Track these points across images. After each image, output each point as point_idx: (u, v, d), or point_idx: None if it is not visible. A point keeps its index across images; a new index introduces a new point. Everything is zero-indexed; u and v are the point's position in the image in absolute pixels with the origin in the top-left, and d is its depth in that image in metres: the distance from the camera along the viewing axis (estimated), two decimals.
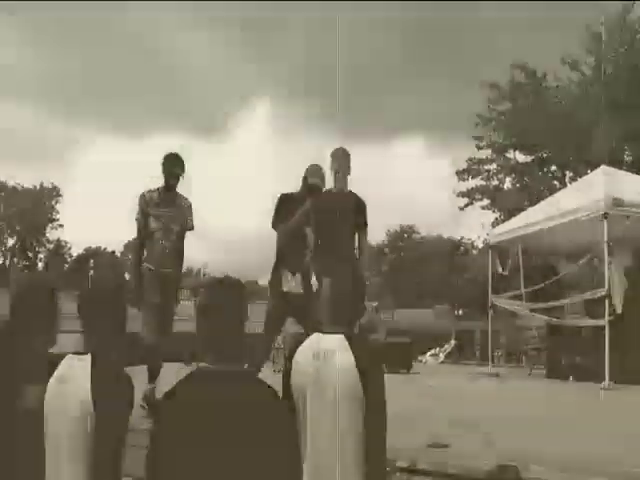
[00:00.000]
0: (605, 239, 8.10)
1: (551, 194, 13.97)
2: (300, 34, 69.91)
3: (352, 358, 2.24)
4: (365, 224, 4.97)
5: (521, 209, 15.51)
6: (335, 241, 4.78)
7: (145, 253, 5.28)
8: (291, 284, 4.96)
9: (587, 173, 13.24)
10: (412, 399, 5.39)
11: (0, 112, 64.72)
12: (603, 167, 10.52)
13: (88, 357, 2.33)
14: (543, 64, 22.58)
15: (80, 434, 2.23)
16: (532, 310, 10.23)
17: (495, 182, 24.02)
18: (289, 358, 2.38)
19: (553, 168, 23.64)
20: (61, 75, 71.92)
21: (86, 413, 2.22)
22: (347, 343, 2.28)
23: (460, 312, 29.86)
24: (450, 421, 4.73)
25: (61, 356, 2.42)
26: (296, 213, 4.93)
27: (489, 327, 11.18)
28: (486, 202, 23.90)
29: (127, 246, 41.68)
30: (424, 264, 43.67)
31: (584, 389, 7.94)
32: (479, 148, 23.31)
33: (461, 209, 24.04)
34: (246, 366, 3.52)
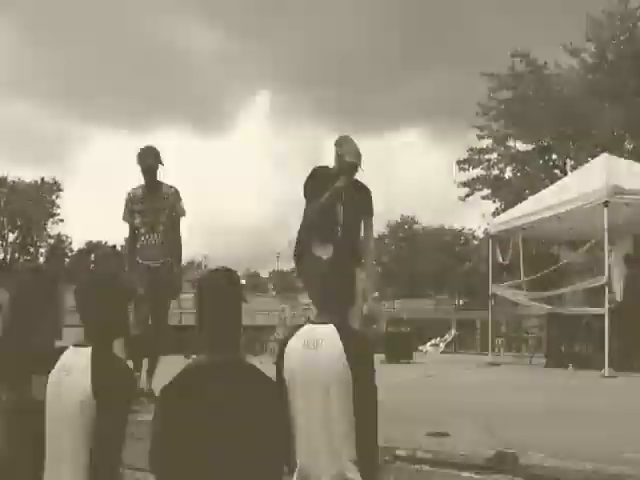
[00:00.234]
0: (605, 227, 8.10)
1: (552, 183, 13.96)
2: (300, 26, 69.71)
3: (341, 346, 2.29)
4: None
5: (522, 198, 15.51)
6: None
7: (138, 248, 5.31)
8: (322, 252, 4.70)
9: (588, 161, 13.19)
10: (412, 388, 5.41)
11: (0, 108, 64.70)
12: (604, 155, 10.50)
13: (89, 350, 2.34)
14: (544, 52, 22.55)
15: (81, 426, 2.25)
16: (532, 299, 10.24)
17: (496, 171, 23.99)
18: (282, 346, 2.42)
19: (554, 157, 23.59)
20: (61, 71, 71.83)
21: (87, 405, 2.24)
22: (337, 332, 2.33)
23: (460, 302, 29.89)
24: (450, 410, 4.75)
25: (62, 349, 2.44)
26: (329, 189, 4.57)
27: (489, 316, 11.20)
28: (487, 192, 23.87)
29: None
30: (425, 254, 43.67)
31: (584, 377, 7.96)
32: (480, 137, 23.27)
33: (462, 199, 24.01)
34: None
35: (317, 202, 4.60)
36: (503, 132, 23.10)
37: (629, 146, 20.92)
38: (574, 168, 20.92)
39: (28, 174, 49.88)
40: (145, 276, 5.18)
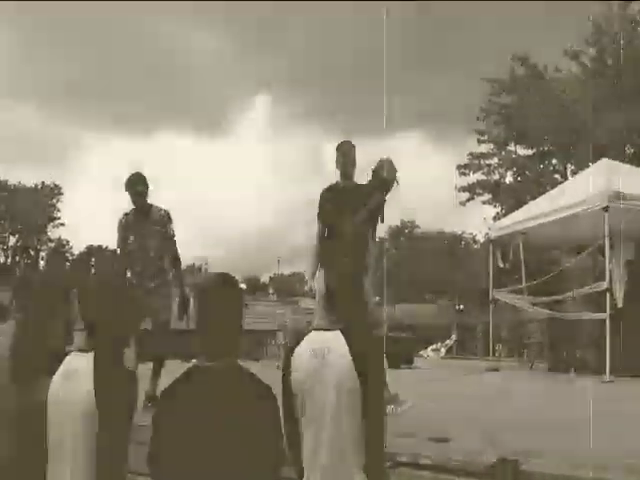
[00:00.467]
0: (606, 232, 8.11)
1: (552, 187, 13.98)
2: (300, 32, 69.78)
3: (348, 354, 2.28)
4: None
5: (522, 203, 15.52)
6: (343, 237, 4.78)
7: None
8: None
9: (588, 166, 13.22)
10: (413, 394, 5.40)
11: (0, 111, 64.78)
12: (604, 160, 10.52)
13: (91, 355, 2.35)
14: (544, 56, 22.58)
15: (83, 431, 2.25)
16: (533, 304, 10.24)
17: (496, 176, 24.04)
18: (288, 356, 2.42)
19: (554, 161, 23.63)
20: (62, 74, 71.86)
21: (89, 410, 2.24)
22: (343, 339, 2.32)
23: (461, 307, 29.89)
24: (451, 415, 4.75)
25: (65, 354, 2.45)
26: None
27: (490, 321, 11.20)
28: (487, 197, 23.91)
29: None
30: (425, 259, 43.66)
31: (585, 383, 7.95)
32: (480, 142, 23.32)
33: (462, 204, 24.05)
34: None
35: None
36: (503, 137, 23.14)
37: (629, 151, 20.95)
38: (574, 173, 20.98)
39: (28, 178, 49.84)
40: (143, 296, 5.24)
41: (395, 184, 4.76)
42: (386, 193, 4.72)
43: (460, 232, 44.63)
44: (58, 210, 47.84)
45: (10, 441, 2.56)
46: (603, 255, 8.50)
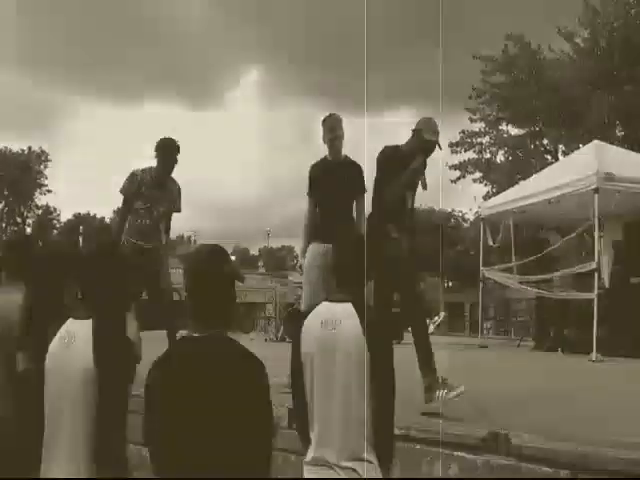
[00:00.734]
0: (596, 214, 8.17)
1: (543, 168, 14.01)
2: (298, 4, 68.82)
3: (359, 326, 2.28)
4: (363, 190, 4.94)
5: (513, 182, 15.56)
6: (336, 209, 4.78)
7: (127, 227, 5.41)
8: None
9: (579, 147, 13.25)
10: (404, 369, 5.44)
11: None
12: (595, 142, 10.54)
13: (89, 322, 2.34)
14: (537, 36, 22.40)
15: (82, 396, 2.25)
16: (522, 283, 10.33)
17: (487, 155, 24.02)
18: (299, 326, 2.42)
19: (545, 142, 23.63)
20: (49, 42, 70.59)
21: (88, 377, 2.24)
22: (354, 311, 2.32)
23: (450, 284, 30.06)
24: None
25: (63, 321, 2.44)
26: (404, 169, 4.27)
27: (479, 299, 11.28)
28: (478, 175, 23.92)
29: (116, 212, 41.39)
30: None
31: (572, 361, 8.07)
32: (472, 120, 23.25)
33: (453, 182, 24.03)
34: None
35: (397, 184, 4.30)
36: (495, 116, 23.09)
37: (620, 133, 20.98)
38: (565, 154, 21.02)
39: (13, 144, 49.03)
40: (138, 256, 5.21)
41: (437, 147, 4.34)
42: (427, 156, 4.31)
43: (450, 210, 44.72)
44: (45, 177, 47.25)
45: (8, 408, 2.58)
46: (591, 236, 8.55)
